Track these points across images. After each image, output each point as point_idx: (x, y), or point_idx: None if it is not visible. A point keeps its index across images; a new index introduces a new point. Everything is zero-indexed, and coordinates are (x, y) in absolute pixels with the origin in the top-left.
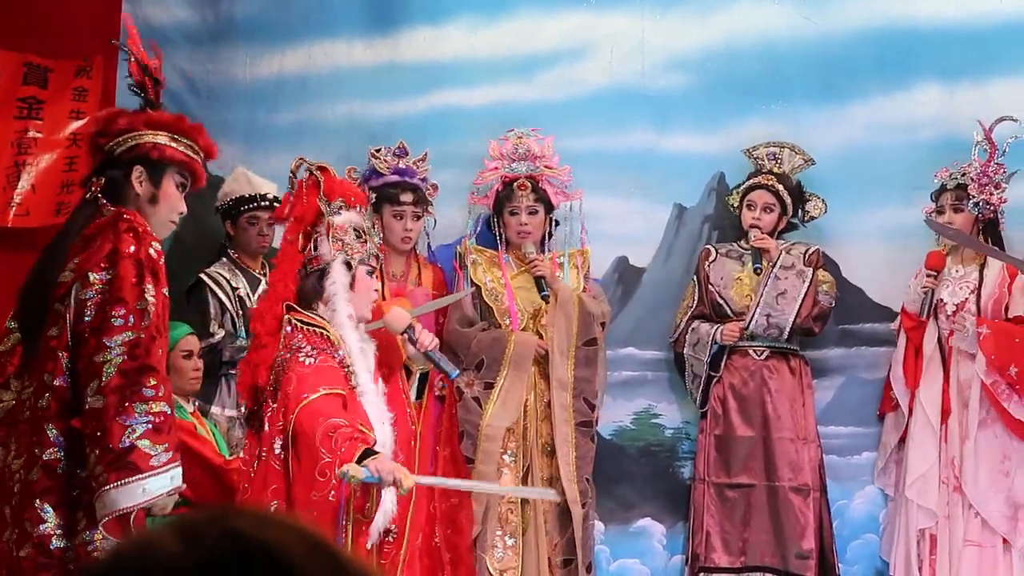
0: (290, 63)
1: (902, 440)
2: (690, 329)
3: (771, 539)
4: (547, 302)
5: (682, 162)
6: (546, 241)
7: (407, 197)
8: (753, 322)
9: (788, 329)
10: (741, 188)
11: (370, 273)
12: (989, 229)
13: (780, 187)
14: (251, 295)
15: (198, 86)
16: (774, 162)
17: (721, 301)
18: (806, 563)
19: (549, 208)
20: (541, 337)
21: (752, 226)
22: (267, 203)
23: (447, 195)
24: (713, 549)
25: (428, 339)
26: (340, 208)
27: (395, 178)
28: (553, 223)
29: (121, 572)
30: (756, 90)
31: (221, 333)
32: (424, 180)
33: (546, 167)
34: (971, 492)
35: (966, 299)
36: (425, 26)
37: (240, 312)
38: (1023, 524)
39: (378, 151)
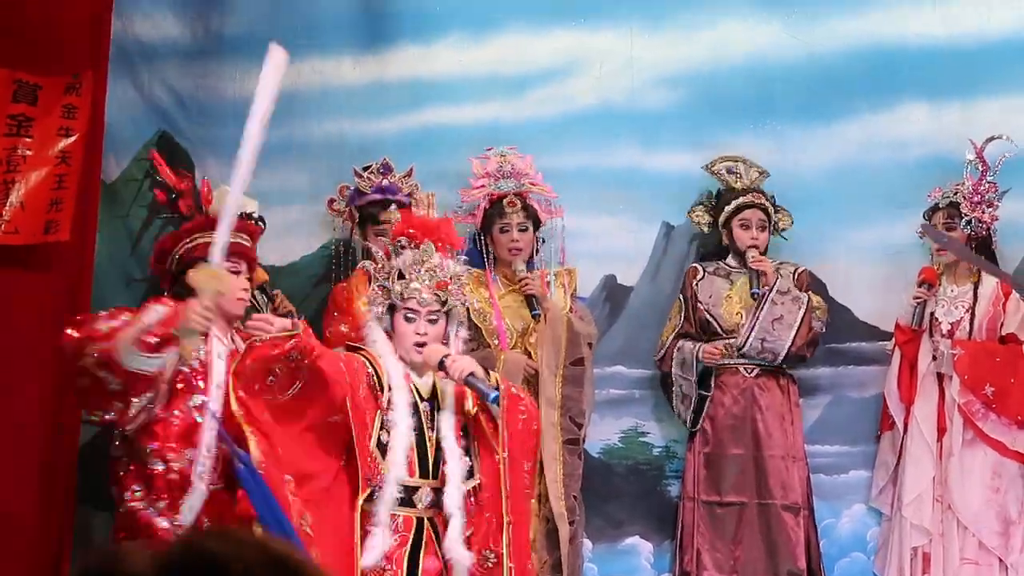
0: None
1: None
2: (676, 348)
3: (763, 557)
4: (538, 320)
5: (670, 180)
6: (532, 259)
7: (388, 215)
8: (748, 345)
9: (783, 355)
10: (728, 207)
11: (408, 319)
12: (982, 247)
13: (768, 204)
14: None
15: (187, 102)
16: (734, 176)
17: (710, 319)
18: None
19: (537, 225)
20: (530, 356)
21: (751, 246)
22: (251, 221)
23: (438, 214)
24: (704, 567)
25: (459, 368)
26: (400, 247)
27: (377, 196)
28: (539, 241)
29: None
30: (744, 108)
31: None
32: (410, 196)
33: (531, 184)
34: (961, 510)
35: (961, 318)
36: (414, 44)
37: None
38: (1015, 541)
39: (366, 169)
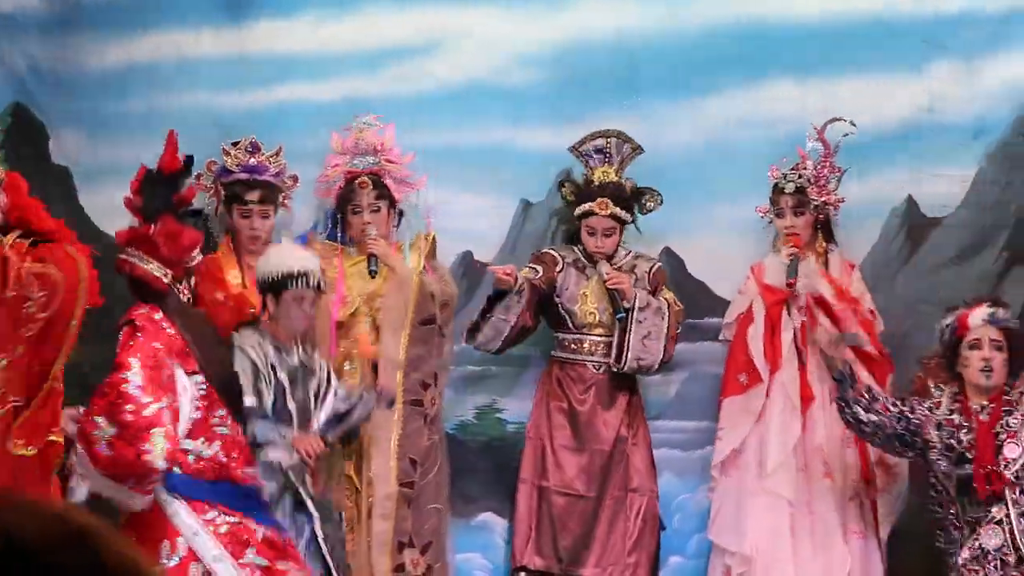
0: (139, 51)
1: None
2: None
3: (594, 545)
4: (374, 278)
5: (530, 157)
6: (389, 236)
7: (253, 196)
8: (625, 366)
9: (657, 366)
10: (578, 210)
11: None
12: (824, 227)
13: (618, 210)
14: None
15: (44, 74)
16: (604, 159)
17: (564, 313)
18: (633, 567)
19: (392, 203)
20: (375, 321)
21: (596, 252)
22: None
23: (299, 189)
24: (535, 551)
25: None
26: None
27: (244, 175)
28: (398, 215)
29: None
30: (609, 85)
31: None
32: (278, 175)
33: (387, 161)
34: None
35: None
36: (274, 17)
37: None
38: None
39: (236, 144)
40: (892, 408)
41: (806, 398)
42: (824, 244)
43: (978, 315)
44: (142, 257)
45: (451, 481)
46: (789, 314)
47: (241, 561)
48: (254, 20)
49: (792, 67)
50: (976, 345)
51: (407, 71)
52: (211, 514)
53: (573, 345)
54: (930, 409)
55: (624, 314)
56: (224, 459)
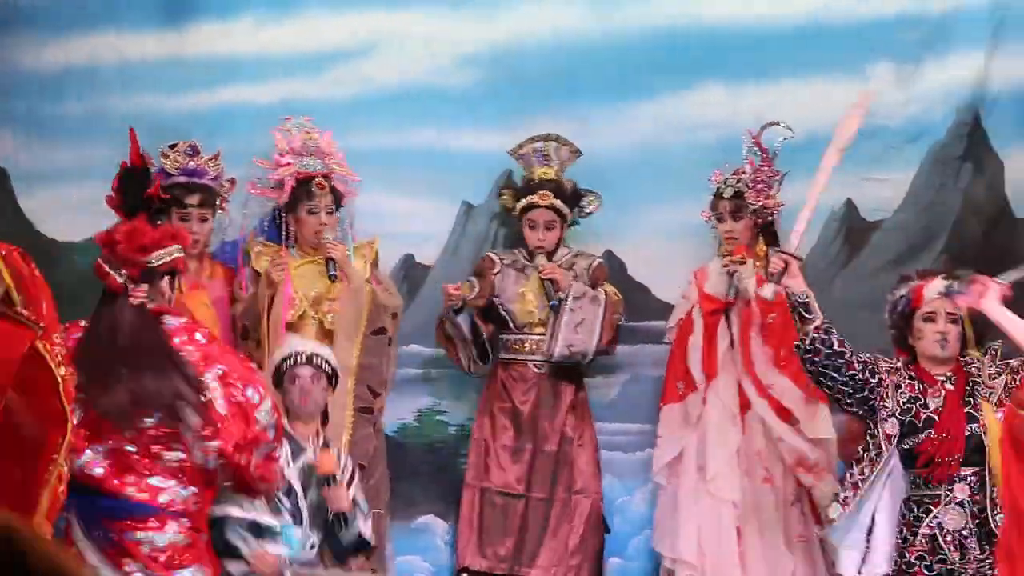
0: (76, 53)
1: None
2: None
3: (538, 548)
4: (334, 282)
5: (470, 160)
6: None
7: (192, 199)
8: (556, 354)
9: (591, 354)
10: (519, 206)
11: None
12: (767, 231)
13: (559, 203)
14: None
15: None
16: (544, 160)
17: (504, 314)
18: (576, 568)
19: (339, 206)
20: (322, 325)
21: (538, 247)
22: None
23: (237, 192)
24: (477, 552)
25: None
26: None
27: (183, 179)
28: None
29: None
30: (546, 88)
31: None
32: (216, 179)
33: (335, 165)
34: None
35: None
36: (214, 20)
37: None
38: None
39: (173, 147)
40: (858, 356)
41: (743, 405)
42: (765, 248)
43: (933, 288)
44: (104, 255)
45: (393, 484)
46: (728, 322)
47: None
48: (194, 23)
49: (728, 71)
50: (931, 318)
51: (347, 73)
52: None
53: (515, 345)
54: (889, 371)
55: (557, 303)
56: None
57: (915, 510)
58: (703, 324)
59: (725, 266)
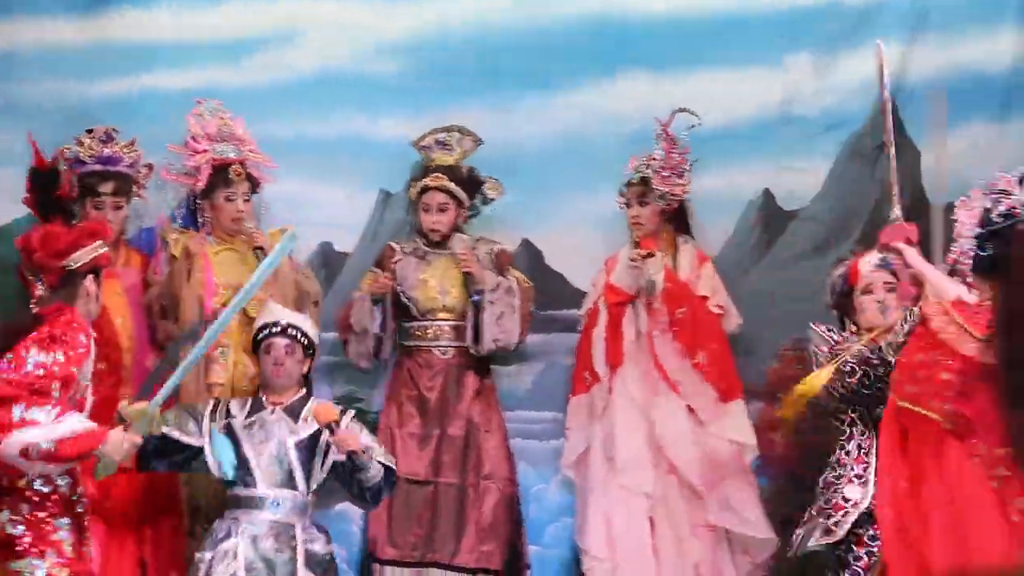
0: None
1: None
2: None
3: (451, 535)
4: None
5: (388, 147)
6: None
7: (106, 187)
8: (484, 348)
9: (515, 344)
10: (412, 191)
11: None
12: (677, 219)
13: (451, 184)
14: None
15: None
16: (444, 149)
17: (406, 301)
18: (487, 555)
19: (254, 192)
20: (245, 313)
21: (432, 229)
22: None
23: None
24: (387, 541)
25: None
26: None
27: (97, 167)
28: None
29: None
30: (467, 76)
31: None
32: (132, 166)
33: (251, 152)
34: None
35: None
36: (134, 6)
37: None
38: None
39: (90, 132)
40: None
41: (651, 396)
42: (674, 235)
43: (869, 261)
44: (23, 262)
45: None
46: (635, 312)
47: None
48: (114, 9)
49: (648, 61)
50: (868, 290)
51: (267, 60)
52: None
53: (419, 332)
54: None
55: (479, 298)
56: None
57: None
58: (607, 315)
59: (632, 260)
